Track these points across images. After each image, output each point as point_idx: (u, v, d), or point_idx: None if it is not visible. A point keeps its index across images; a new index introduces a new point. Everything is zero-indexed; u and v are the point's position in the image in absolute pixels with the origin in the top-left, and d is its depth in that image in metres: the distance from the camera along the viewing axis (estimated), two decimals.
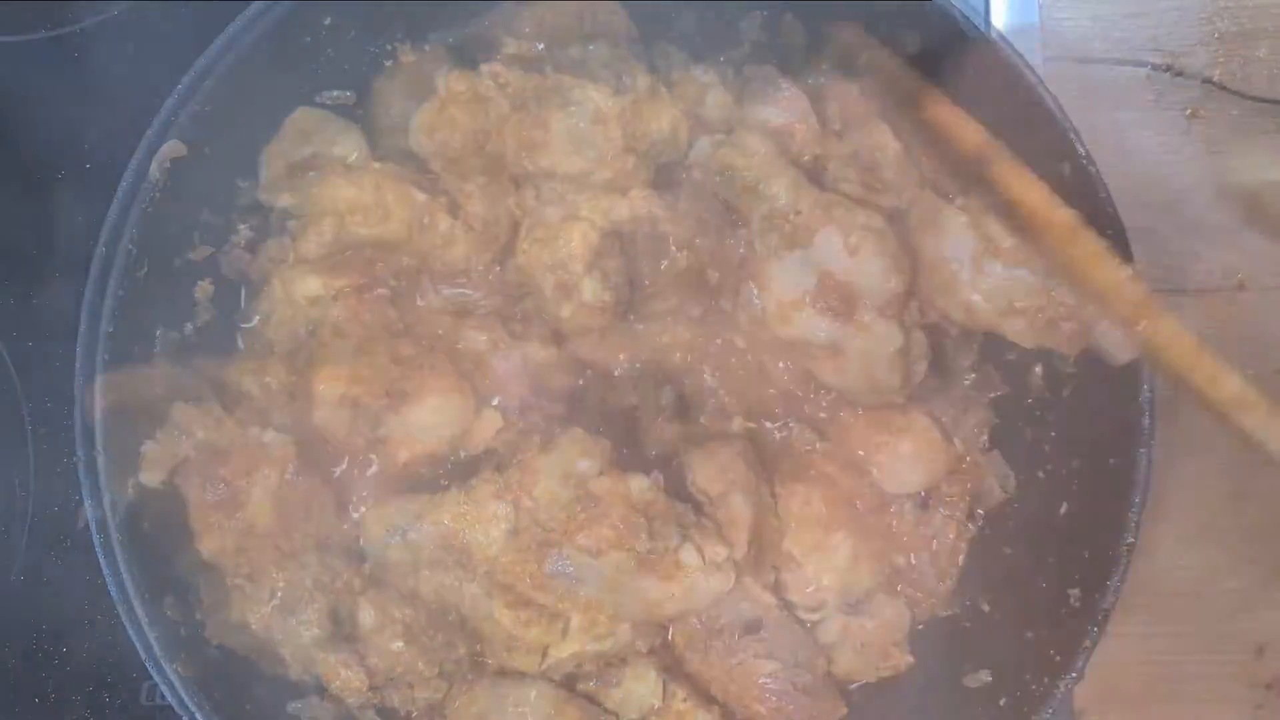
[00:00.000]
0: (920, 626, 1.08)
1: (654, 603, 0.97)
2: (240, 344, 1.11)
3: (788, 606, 1.06)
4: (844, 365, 1.02)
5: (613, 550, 0.95)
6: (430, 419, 1.02)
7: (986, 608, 1.07)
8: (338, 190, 1.06)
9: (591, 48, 1.04)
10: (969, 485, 1.09)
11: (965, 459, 1.09)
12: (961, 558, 1.08)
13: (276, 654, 1.02)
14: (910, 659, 1.05)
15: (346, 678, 0.99)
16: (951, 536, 1.08)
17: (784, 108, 1.06)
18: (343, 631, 1.01)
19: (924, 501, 1.08)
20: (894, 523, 1.07)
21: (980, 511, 1.09)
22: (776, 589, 1.06)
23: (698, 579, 0.96)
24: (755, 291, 1.04)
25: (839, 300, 0.99)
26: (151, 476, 0.99)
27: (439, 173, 1.08)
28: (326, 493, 1.03)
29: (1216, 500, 1.20)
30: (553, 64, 1.04)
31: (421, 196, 1.08)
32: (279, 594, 0.99)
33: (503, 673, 1.04)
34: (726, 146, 1.03)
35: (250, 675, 1.01)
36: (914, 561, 1.07)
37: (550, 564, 0.96)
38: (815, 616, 1.06)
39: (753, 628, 1.03)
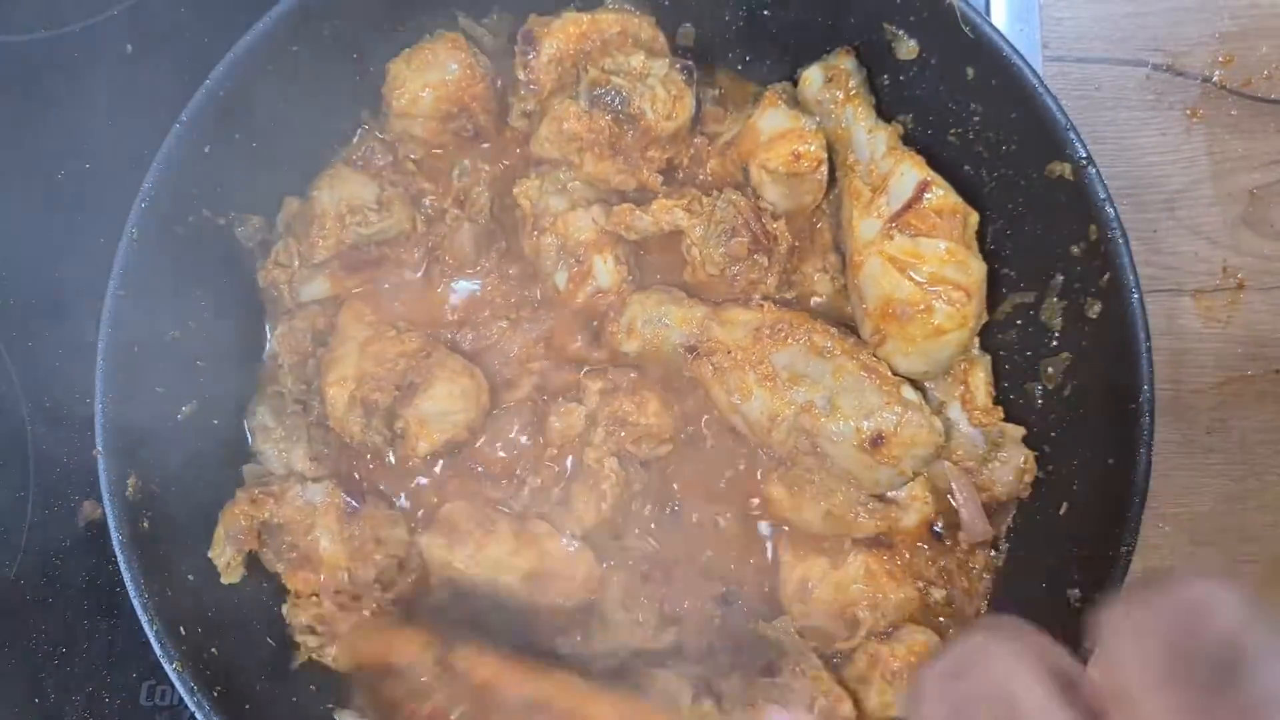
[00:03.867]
0: None
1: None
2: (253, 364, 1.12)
3: (815, 644, 1.05)
4: None
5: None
6: (443, 406, 1.03)
7: (986, 608, 1.07)
8: (338, 189, 1.06)
9: (656, 64, 1.05)
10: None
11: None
12: (988, 583, 1.07)
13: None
14: None
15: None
16: (978, 567, 1.07)
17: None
18: None
19: (939, 534, 1.07)
20: (909, 555, 1.06)
21: (1004, 541, 1.09)
22: (804, 616, 1.05)
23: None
24: None
25: None
26: (233, 577, 1.02)
27: (445, 158, 1.10)
28: (387, 512, 1.05)
29: (1215, 501, 1.20)
30: (610, 70, 1.05)
31: (427, 186, 1.09)
32: None
33: None
34: None
35: (251, 674, 1.01)
36: (950, 593, 1.06)
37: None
38: (851, 644, 1.04)
39: (770, 670, 1.01)
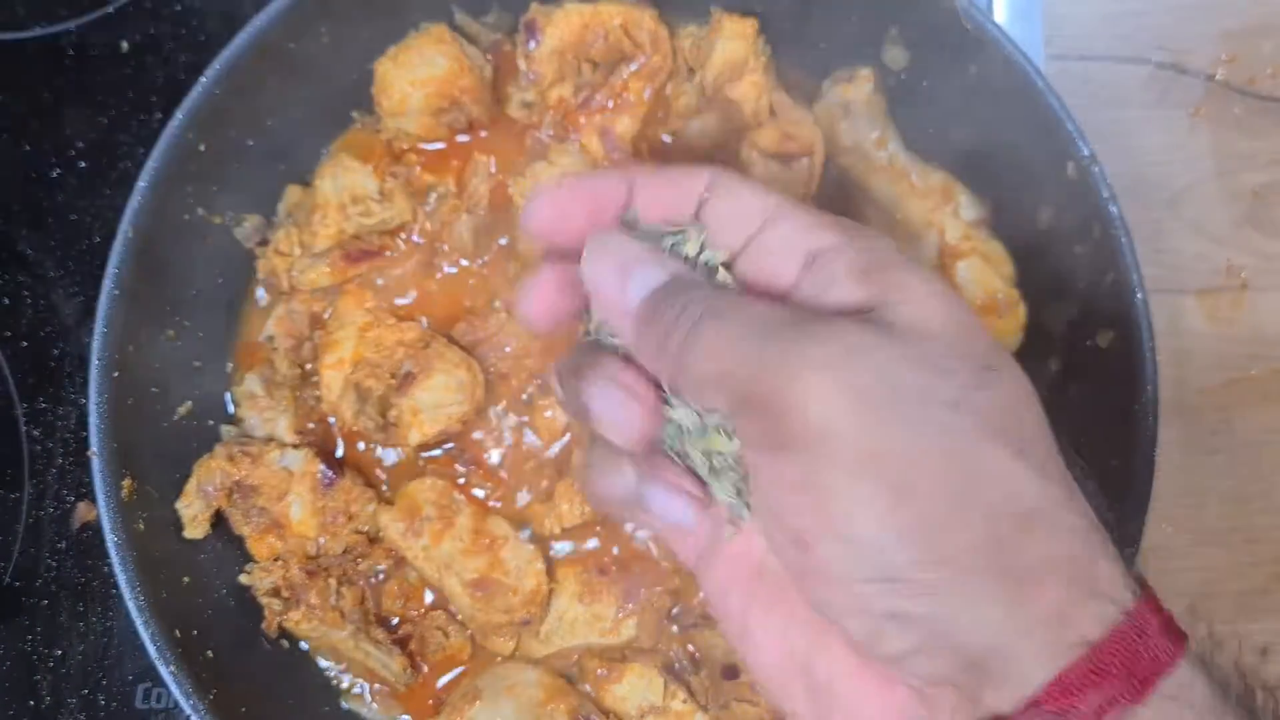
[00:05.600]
0: None
1: None
2: (239, 336, 1.11)
3: None
4: None
5: None
6: (438, 397, 1.02)
7: None
8: (341, 178, 1.06)
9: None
10: None
11: None
12: None
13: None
14: None
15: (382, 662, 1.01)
16: None
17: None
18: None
19: None
20: None
21: None
22: None
23: None
24: None
25: None
26: (196, 532, 1.00)
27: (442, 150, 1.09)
28: (362, 488, 1.04)
29: (1219, 503, 1.19)
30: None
31: (429, 178, 1.09)
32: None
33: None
34: None
35: (248, 677, 1.00)
36: None
37: None
38: None
39: (730, 673, 1.00)
